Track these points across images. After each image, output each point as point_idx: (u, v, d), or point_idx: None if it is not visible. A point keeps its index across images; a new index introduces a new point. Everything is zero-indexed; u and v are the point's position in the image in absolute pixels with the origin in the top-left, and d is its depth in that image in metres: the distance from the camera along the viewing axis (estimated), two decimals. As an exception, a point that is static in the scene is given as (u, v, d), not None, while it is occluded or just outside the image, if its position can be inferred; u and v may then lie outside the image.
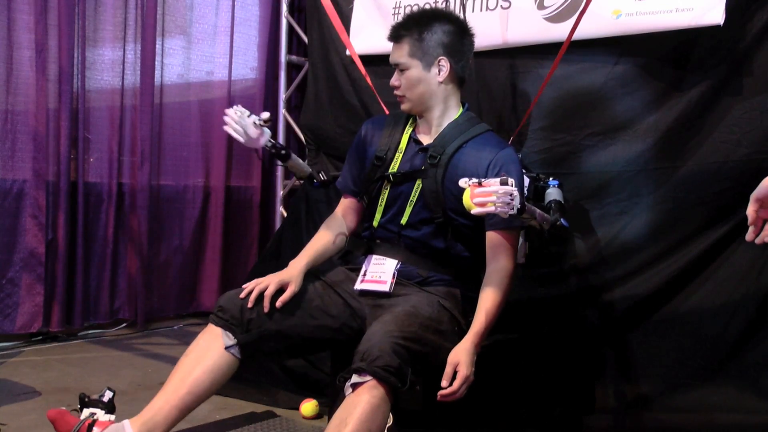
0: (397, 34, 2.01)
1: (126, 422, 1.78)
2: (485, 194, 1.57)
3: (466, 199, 1.60)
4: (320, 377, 2.56)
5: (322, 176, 2.43)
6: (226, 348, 1.85)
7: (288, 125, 3.82)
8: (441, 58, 1.98)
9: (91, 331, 3.48)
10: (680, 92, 2.20)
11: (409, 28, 2.00)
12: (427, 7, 2.73)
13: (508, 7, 2.52)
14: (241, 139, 2.11)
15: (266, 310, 1.88)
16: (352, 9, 3.01)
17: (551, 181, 2.17)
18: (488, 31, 2.52)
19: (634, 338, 2.22)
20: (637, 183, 2.26)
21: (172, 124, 3.71)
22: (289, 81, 3.87)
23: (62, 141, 3.20)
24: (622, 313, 2.25)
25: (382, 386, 1.63)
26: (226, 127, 2.12)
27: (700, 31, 2.12)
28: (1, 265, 3.09)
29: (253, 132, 2.10)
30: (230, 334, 1.86)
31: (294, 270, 1.99)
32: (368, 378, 1.63)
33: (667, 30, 2.17)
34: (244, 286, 1.93)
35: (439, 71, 1.98)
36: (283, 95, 3.83)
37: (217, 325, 1.88)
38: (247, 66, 4.01)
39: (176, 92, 3.72)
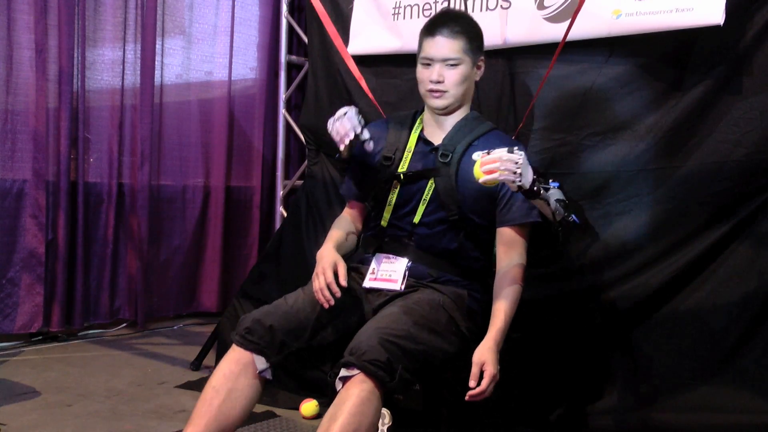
0: (451, 29, 1.99)
1: None
2: (491, 161, 1.62)
3: (476, 170, 1.65)
4: (320, 377, 2.55)
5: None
6: (260, 372, 1.80)
7: (288, 125, 3.81)
8: (482, 58, 2.05)
9: (91, 331, 3.48)
10: (680, 92, 2.20)
11: (462, 25, 2.02)
12: (427, 7, 2.73)
13: (508, 7, 2.52)
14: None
15: (338, 296, 1.84)
16: (351, 9, 3.00)
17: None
18: (488, 31, 2.51)
19: (634, 338, 2.22)
20: (637, 183, 2.26)
21: (172, 124, 3.71)
22: (289, 81, 3.86)
23: (62, 141, 3.20)
24: (621, 313, 2.25)
25: (371, 380, 1.63)
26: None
27: (700, 31, 2.11)
28: (1, 265, 3.09)
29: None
30: (263, 359, 1.80)
31: (330, 251, 1.95)
32: (356, 372, 1.63)
33: (667, 30, 2.16)
34: (320, 298, 1.85)
35: (478, 70, 2.05)
36: (283, 95, 3.82)
37: (247, 348, 1.80)
38: (247, 66, 4.01)
39: (176, 92, 3.72)
